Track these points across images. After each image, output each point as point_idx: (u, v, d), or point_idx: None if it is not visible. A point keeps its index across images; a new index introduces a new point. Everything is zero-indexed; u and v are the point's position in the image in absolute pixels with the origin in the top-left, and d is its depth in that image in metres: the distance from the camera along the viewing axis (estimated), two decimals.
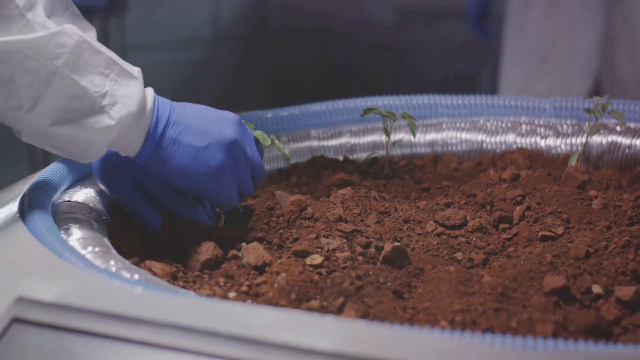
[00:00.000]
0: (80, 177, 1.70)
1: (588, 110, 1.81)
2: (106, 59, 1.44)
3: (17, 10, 1.37)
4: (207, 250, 1.52)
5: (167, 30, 4.85)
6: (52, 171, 1.62)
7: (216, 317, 1.14)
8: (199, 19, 4.95)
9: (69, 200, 1.59)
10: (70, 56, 1.40)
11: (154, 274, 1.42)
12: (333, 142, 2.05)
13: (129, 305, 1.17)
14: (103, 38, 4.31)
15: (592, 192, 1.67)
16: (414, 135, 1.79)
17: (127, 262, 1.41)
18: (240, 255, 1.52)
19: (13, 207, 1.53)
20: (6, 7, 1.36)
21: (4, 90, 1.38)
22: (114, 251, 1.45)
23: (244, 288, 1.40)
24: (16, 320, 1.16)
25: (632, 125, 1.91)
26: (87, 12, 3.85)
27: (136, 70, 1.48)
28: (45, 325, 1.15)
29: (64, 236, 1.44)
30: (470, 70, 4.54)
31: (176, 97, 1.87)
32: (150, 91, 1.50)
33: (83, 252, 1.39)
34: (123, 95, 1.44)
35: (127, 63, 1.48)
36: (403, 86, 3.86)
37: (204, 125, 1.52)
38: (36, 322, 1.16)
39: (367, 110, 1.84)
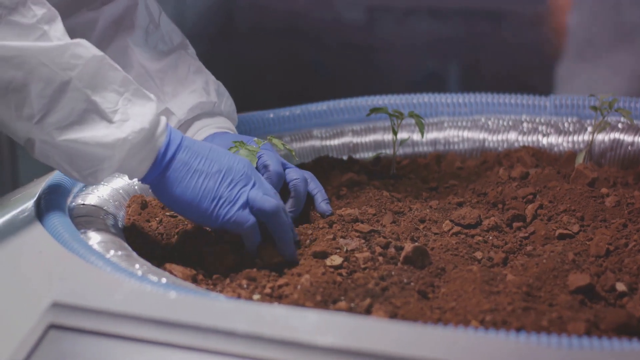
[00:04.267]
0: None
1: (594, 108, 1.81)
2: (122, 77, 1.43)
3: (34, 20, 1.37)
4: (226, 252, 1.50)
5: None
6: None
7: (260, 321, 1.13)
8: None
9: (83, 204, 1.57)
10: (85, 69, 1.39)
11: (175, 276, 1.40)
12: (335, 142, 2.04)
13: (168, 309, 1.16)
14: None
15: (604, 190, 1.68)
16: (422, 134, 1.78)
17: (151, 265, 1.39)
18: (258, 259, 1.50)
19: (25, 209, 1.51)
20: (24, 16, 1.37)
21: (17, 97, 1.37)
22: (135, 254, 1.43)
23: (267, 290, 1.39)
24: (53, 326, 1.14)
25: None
26: None
27: (152, 95, 1.47)
28: (84, 331, 1.14)
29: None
30: (440, 68, 4.54)
31: None
32: (163, 118, 1.48)
33: (107, 255, 1.38)
34: (136, 114, 1.43)
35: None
36: (374, 85, 3.84)
37: (214, 155, 1.49)
38: (74, 328, 1.14)
39: (374, 110, 1.83)
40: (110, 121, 1.40)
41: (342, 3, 4.79)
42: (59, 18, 1.41)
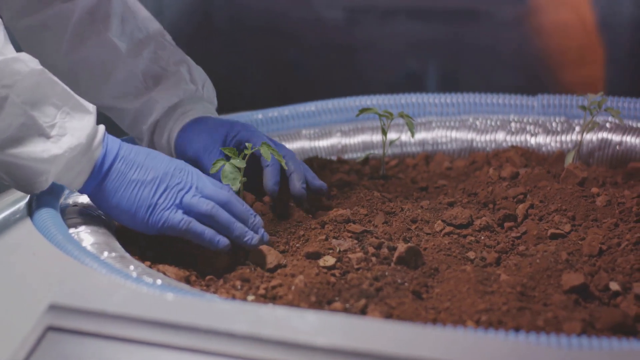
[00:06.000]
0: None
1: (583, 108, 1.82)
2: (61, 90, 1.43)
3: None
4: (219, 253, 1.50)
5: None
6: None
7: (259, 322, 1.12)
8: None
9: (75, 205, 1.56)
10: (22, 84, 1.39)
11: (169, 277, 1.40)
12: (324, 143, 2.04)
13: (166, 311, 1.15)
14: None
15: (594, 190, 1.68)
16: (413, 134, 1.78)
17: (145, 266, 1.38)
18: (249, 262, 1.50)
19: (17, 210, 1.50)
20: None
21: None
22: (128, 256, 1.43)
23: (261, 291, 1.39)
24: (51, 328, 1.14)
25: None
26: None
27: (91, 107, 1.47)
28: (83, 333, 1.13)
29: None
30: (420, 69, 4.54)
31: None
32: (101, 127, 1.48)
33: (101, 257, 1.37)
34: (73, 127, 1.43)
35: (82, 99, 1.47)
36: (354, 85, 3.85)
37: (151, 162, 1.49)
38: (73, 330, 1.13)
39: (364, 110, 1.83)
40: (47, 136, 1.41)
41: (321, 2, 4.78)
42: (1, 27, 1.40)
